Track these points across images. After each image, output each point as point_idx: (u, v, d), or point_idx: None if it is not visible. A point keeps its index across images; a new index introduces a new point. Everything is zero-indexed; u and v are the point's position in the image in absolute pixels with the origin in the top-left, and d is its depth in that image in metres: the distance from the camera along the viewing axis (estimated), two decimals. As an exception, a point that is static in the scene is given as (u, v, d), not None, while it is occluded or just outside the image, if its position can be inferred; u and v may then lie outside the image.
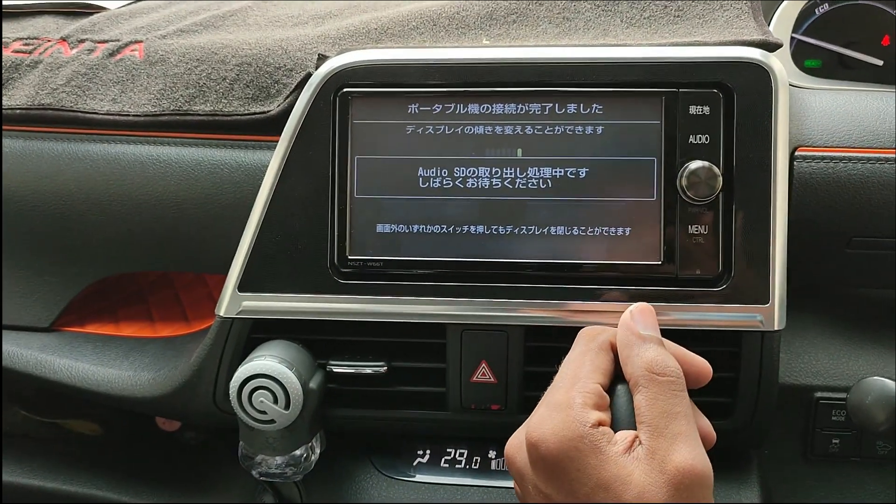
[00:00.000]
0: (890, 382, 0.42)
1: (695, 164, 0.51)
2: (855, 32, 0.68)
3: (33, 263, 0.63)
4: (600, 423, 0.41)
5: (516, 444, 0.45)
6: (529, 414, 0.46)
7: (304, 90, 0.55)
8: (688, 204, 0.52)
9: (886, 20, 0.68)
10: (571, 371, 0.44)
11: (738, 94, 0.51)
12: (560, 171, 0.53)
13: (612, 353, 0.45)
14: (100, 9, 0.74)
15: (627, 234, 0.52)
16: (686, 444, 0.39)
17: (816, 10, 0.69)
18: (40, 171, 0.60)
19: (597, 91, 0.52)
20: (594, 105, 0.52)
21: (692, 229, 0.52)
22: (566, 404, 0.41)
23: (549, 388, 0.45)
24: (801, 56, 0.69)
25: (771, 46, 0.54)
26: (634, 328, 0.44)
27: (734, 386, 0.53)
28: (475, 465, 0.59)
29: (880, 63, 0.69)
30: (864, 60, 0.69)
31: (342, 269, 0.54)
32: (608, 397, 0.43)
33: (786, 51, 0.66)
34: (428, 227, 0.54)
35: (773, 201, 0.51)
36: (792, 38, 0.69)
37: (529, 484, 0.43)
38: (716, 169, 0.51)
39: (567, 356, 0.46)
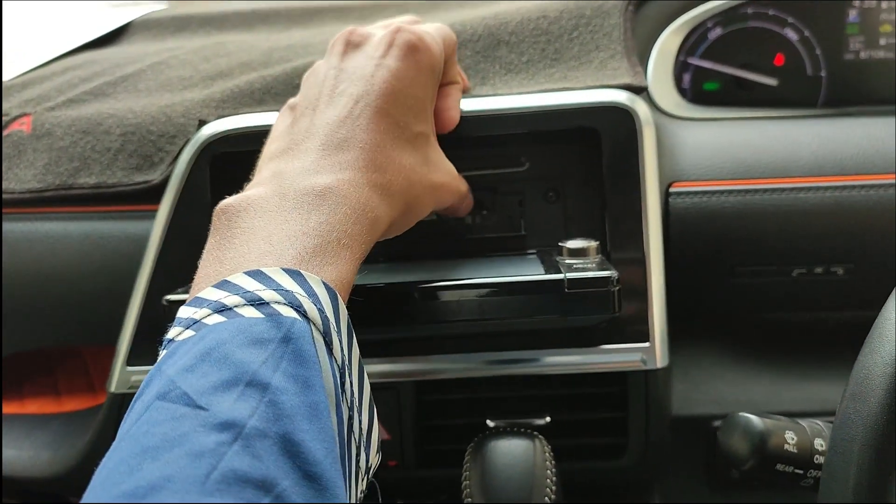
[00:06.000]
0: (755, 418, 0.43)
1: (567, 209, 0.52)
2: (748, 54, 0.69)
3: None
4: None
5: None
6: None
7: (180, 158, 0.55)
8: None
9: (778, 41, 0.69)
10: None
11: (605, 136, 0.52)
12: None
13: None
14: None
15: None
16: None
17: (709, 35, 0.70)
18: None
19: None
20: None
21: None
22: None
23: None
24: (701, 80, 0.70)
25: (635, 90, 0.54)
26: None
27: (624, 425, 0.53)
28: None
29: (774, 83, 0.70)
30: (758, 81, 0.71)
31: (229, 336, 0.54)
32: None
33: (669, 83, 0.67)
34: None
35: (647, 239, 0.52)
36: (688, 64, 0.70)
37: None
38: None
39: None
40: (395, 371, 0.53)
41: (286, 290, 0.31)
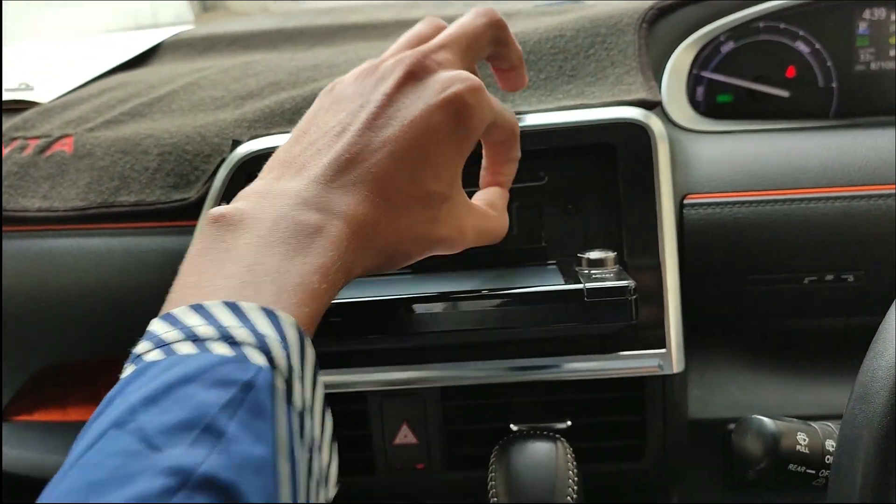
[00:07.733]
0: (768, 420, 0.45)
1: (585, 221, 0.54)
2: (761, 67, 0.71)
3: None
4: None
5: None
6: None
7: (216, 177, 0.58)
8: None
9: (790, 53, 0.71)
10: None
11: (621, 151, 0.54)
12: None
13: None
14: (33, 104, 0.77)
15: None
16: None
17: (721, 49, 0.72)
18: None
19: None
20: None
21: None
22: None
23: None
24: (714, 92, 0.72)
25: (649, 105, 0.57)
26: None
27: (642, 428, 0.55)
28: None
29: (786, 94, 0.72)
30: (770, 93, 0.72)
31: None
32: None
33: (682, 98, 0.69)
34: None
35: (662, 249, 0.54)
36: (701, 77, 0.72)
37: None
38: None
39: None
40: (421, 378, 0.55)
41: (259, 333, 0.32)
